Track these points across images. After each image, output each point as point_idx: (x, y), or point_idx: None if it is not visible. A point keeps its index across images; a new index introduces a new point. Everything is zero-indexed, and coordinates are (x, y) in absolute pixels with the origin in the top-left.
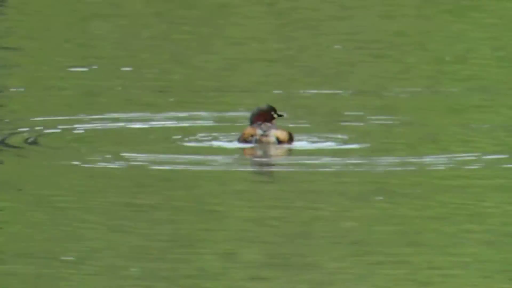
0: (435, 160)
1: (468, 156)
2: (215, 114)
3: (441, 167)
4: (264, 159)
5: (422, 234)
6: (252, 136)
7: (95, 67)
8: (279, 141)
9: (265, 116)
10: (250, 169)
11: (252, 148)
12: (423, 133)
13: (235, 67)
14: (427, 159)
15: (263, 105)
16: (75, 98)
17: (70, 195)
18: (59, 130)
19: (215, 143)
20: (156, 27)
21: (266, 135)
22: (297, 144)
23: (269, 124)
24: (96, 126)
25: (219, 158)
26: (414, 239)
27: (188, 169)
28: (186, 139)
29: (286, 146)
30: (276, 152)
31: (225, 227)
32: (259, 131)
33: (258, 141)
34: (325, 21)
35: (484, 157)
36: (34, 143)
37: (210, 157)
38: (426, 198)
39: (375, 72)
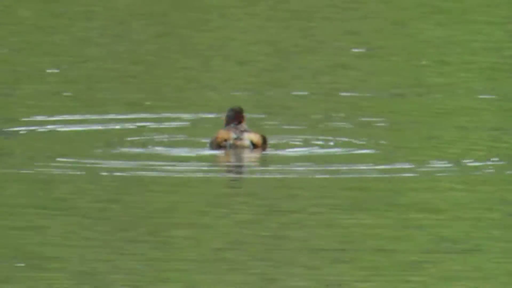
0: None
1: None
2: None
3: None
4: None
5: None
6: (225, 140)
7: None
8: (254, 145)
9: (239, 117)
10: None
11: (226, 154)
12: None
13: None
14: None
15: (235, 106)
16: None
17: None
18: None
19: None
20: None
21: (241, 139)
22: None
23: (243, 127)
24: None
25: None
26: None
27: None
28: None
29: (261, 151)
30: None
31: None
32: (232, 135)
33: (232, 146)
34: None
35: None
36: None
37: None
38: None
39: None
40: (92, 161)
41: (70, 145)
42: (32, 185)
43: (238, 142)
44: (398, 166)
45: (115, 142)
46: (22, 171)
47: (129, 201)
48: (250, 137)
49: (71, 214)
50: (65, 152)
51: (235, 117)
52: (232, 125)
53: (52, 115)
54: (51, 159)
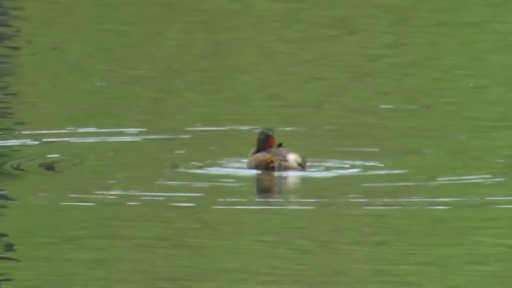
0: None
1: None
2: None
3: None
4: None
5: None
6: (272, 162)
7: None
8: (300, 166)
9: (270, 141)
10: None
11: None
12: None
13: None
14: None
15: (267, 130)
16: None
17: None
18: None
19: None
20: None
21: (286, 160)
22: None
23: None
24: None
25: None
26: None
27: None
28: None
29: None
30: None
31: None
32: (278, 157)
33: (281, 167)
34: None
35: None
36: None
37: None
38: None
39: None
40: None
41: None
42: None
43: (286, 163)
44: None
45: None
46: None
47: None
48: (294, 157)
49: None
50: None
51: (266, 140)
52: (272, 149)
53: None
54: None
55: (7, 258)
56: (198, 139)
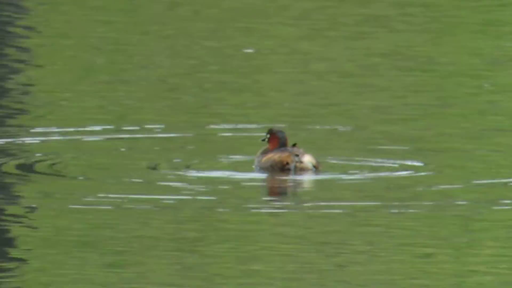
0: None
1: None
2: None
3: None
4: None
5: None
6: (287, 163)
7: None
8: (315, 167)
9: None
10: None
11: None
12: None
13: None
14: None
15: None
16: None
17: None
18: None
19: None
20: None
21: (302, 162)
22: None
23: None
24: None
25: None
26: None
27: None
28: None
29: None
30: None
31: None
32: (294, 158)
33: (297, 169)
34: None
35: None
36: None
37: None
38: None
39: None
40: None
41: None
42: None
43: (301, 165)
44: None
45: None
46: None
47: None
48: (309, 159)
49: None
50: None
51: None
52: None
53: None
54: None
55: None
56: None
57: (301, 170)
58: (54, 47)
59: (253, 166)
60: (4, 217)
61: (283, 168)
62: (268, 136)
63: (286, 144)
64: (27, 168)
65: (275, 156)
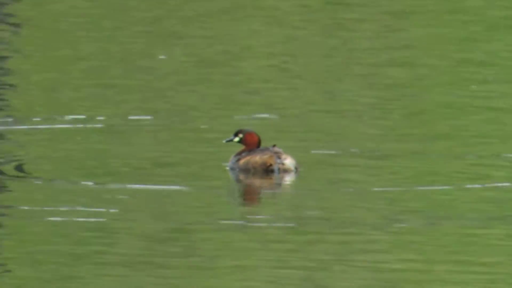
0: None
1: None
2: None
3: None
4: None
5: None
6: (271, 165)
7: None
8: (296, 169)
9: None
10: None
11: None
12: None
13: None
14: None
15: (247, 129)
16: None
17: None
18: None
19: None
20: None
21: (283, 164)
22: None
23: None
24: None
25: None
26: None
27: None
28: None
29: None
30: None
31: None
32: (277, 159)
33: (281, 171)
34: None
35: None
36: None
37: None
38: None
39: None
40: None
41: None
42: None
43: (283, 167)
44: None
45: None
46: None
47: None
48: (291, 161)
49: None
50: None
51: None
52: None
53: None
54: None
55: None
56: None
57: (284, 171)
58: None
59: (227, 168)
60: None
61: (266, 169)
62: (241, 136)
63: (260, 144)
64: None
65: (255, 157)
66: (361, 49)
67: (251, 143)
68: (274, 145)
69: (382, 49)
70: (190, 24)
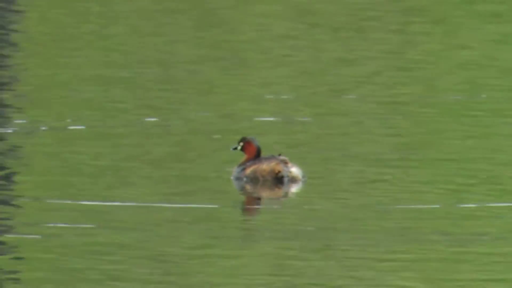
0: None
1: None
2: None
3: None
4: None
5: None
6: (279, 171)
7: None
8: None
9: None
10: None
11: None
12: None
13: None
14: None
15: (251, 136)
16: None
17: None
18: None
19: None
20: None
21: (290, 172)
22: None
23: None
24: None
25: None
26: None
27: None
28: None
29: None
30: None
31: None
32: (284, 167)
33: (291, 179)
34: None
35: None
36: None
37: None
38: None
39: None
40: None
41: None
42: None
43: (291, 174)
44: None
45: None
46: None
47: None
48: (297, 169)
49: None
50: None
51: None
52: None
53: None
54: None
55: None
56: None
57: (292, 180)
58: None
59: (231, 178)
60: None
61: (276, 177)
62: (242, 144)
63: (260, 153)
64: None
65: (262, 165)
66: None
67: (249, 152)
68: (279, 154)
69: None
70: None
